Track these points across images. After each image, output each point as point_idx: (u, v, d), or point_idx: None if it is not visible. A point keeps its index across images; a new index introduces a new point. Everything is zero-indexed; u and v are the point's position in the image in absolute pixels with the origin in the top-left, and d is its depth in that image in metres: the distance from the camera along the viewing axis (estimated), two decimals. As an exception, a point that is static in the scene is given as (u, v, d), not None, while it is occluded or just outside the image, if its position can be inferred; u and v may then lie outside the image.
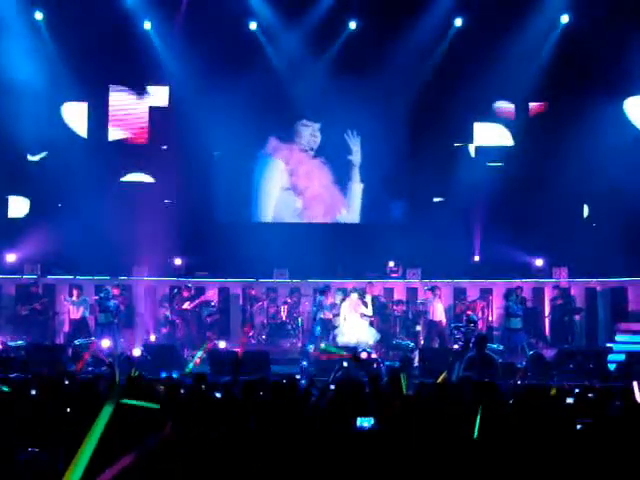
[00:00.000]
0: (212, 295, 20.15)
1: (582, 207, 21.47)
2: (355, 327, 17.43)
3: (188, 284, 19.74)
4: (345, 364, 11.79)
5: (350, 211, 22.09)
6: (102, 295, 18.10)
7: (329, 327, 17.83)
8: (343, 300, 17.76)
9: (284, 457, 5.15)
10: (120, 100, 21.99)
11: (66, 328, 19.32)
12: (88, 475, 2.53)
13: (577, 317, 19.63)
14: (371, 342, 17.13)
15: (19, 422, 5.93)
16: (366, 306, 17.74)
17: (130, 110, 21.99)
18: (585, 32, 20.02)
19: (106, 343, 16.70)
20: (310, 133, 21.87)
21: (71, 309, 18.70)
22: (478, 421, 5.11)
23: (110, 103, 21.90)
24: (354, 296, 17.66)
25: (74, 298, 18.61)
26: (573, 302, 19.73)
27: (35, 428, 5.85)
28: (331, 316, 17.81)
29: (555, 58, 20.66)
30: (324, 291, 18.06)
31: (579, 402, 6.23)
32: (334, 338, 17.56)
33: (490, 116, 21.91)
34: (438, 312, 18.49)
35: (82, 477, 2.44)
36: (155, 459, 3.78)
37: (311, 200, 22.04)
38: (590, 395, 6.74)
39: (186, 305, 19.23)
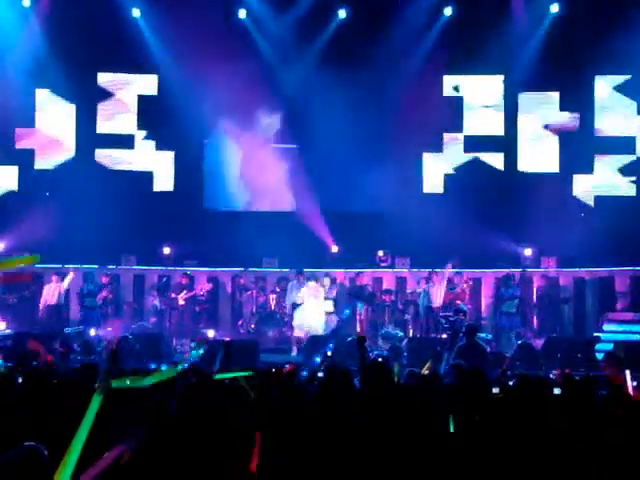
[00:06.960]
0: (206, 287, 20.05)
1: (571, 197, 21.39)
2: (310, 314, 17.61)
3: (187, 272, 19.74)
4: (329, 354, 11.83)
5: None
6: (88, 279, 18.16)
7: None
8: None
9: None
10: (110, 82, 21.84)
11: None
12: (79, 468, 2.52)
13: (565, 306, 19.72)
14: (320, 332, 17.25)
15: (6, 413, 5.90)
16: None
17: (119, 96, 21.88)
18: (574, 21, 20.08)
19: (93, 332, 16.70)
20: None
21: (47, 293, 18.60)
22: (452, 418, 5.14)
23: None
24: (312, 283, 17.90)
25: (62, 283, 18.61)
26: (561, 292, 19.77)
27: (23, 419, 5.82)
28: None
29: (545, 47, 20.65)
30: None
31: (565, 390, 6.26)
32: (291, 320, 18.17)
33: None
34: (436, 298, 18.37)
35: (74, 470, 2.43)
36: (144, 451, 3.78)
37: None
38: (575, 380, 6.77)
39: (182, 295, 19.19)
